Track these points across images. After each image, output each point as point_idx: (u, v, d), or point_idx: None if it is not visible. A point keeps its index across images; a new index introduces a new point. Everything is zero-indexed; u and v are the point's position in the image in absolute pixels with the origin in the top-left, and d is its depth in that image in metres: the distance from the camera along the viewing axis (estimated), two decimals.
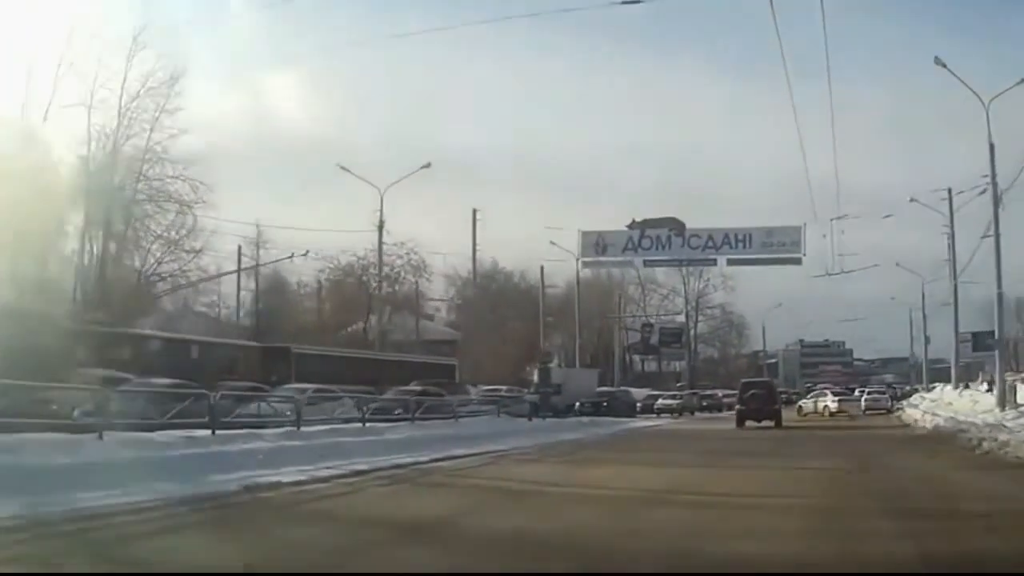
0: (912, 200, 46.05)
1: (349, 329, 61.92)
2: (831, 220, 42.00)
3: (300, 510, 10.60)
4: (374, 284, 60.09)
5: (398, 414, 27.85)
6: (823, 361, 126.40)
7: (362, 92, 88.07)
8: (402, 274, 61.37)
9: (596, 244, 49.25)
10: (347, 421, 23.55)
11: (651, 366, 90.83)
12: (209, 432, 16.30)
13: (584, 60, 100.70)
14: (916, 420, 32.07)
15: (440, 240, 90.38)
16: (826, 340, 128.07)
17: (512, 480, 14.57)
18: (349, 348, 47.82)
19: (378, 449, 18.33)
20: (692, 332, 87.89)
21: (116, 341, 28.81)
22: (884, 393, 49.29)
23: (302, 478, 13.01)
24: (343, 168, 48.61)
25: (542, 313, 58.87)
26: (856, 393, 56.36)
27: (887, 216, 46.09)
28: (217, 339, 36.01)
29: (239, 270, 52.70)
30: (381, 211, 47.96)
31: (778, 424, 33.91)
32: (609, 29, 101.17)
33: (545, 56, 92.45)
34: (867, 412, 46.92)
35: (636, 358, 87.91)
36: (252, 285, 57.20)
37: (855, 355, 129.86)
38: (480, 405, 36.45)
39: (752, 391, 35.84)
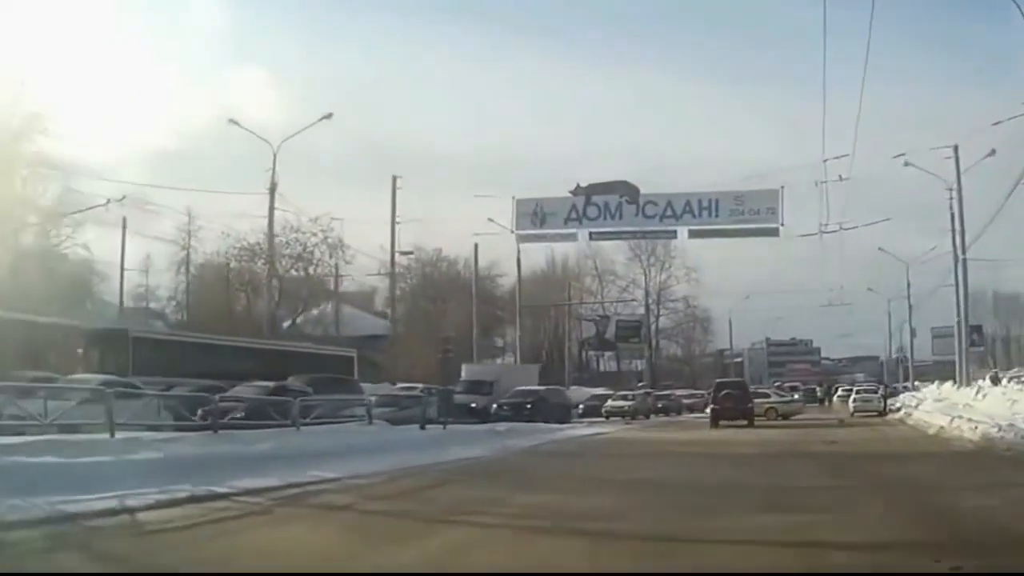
0: (907, 164, 37.18)
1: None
2: (824, 162, 32.95)
3: None
4: (282, 263, 50.66)
5: (234, 419, 20.07)
6: (790, 360, 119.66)
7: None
8: (316, 254, 51.69)
9: (534, 214, 40.11)
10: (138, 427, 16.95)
11: (610, 364, 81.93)
12: None
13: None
14: (942, 427, 23.04)
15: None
16: (793, 338, 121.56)
17: None
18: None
19: (92, 479, 10.44)
20: (653, 327, 78.87)
21: None
22: (875, 392, 40.39)
23: None
24: (232, 122, 39.24)
25: (475, 299, 49.41)
26: (840, 392, 47.34)
27: (899, 156, 36.36)
28: (10, 314, 26.28)
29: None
30: (273, 170, 38.38)
31: (750, 423, 32.55)
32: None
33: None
34: (856, 414, 38.13)
35: (594, 356, 78.81)
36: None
37: (823, 354, 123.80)
38: (380, 407, 27.61)
39: (726, 391, 34.46)
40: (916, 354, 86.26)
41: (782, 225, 36.77)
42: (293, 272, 53.42)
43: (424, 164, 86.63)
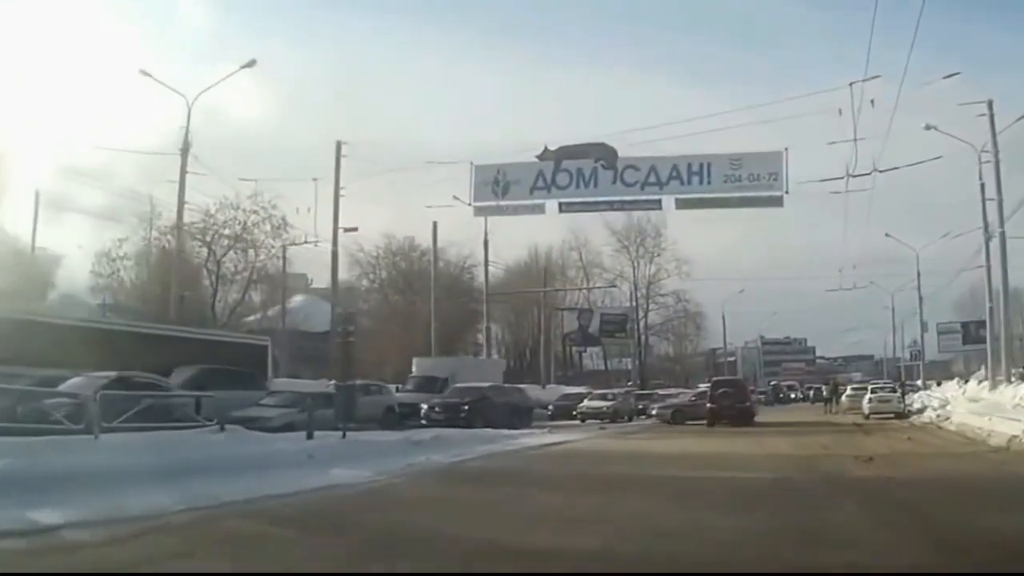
0: (928, 128, 30.70)
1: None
2: (850, 84, 26.47)
3: None
4: (219, 244, 44.11)
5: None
6: (785, 359, 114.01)
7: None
8: (260, 236, 44.99)
9: (495, 182, 33.64)
10: None
11: (598, 363, 75.50)
12: None
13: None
14: (1016, 437, 16.47)
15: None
16: (787, 337, 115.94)
17: None
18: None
19: None
20: (641, 322, 72.30)
21: None
22: (894, 392, 33.84)
23: None
24: (144, 73, 32.69)
25: (433, 286, 42.81)
26: (849, 391, 40.76)
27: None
28: None
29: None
30: (188, 127, 31.78)
31: (749, 422, 29.76)
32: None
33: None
34: (872, 416, 31.69)
35: (578, 352, 72.21)
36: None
37: (818, 353, 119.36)
38: (277, 407, 22.22)
39: (723, 389, 31.34)
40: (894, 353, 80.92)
41: (786, 193, 30.29)
42: (234, 255, 46.66)
43: (409, 159, 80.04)
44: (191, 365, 23.96)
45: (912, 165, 29.63)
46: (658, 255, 71.35)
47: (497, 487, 12.26)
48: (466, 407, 25.08)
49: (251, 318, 57.20)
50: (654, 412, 33.67)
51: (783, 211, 30.64)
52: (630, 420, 36.03)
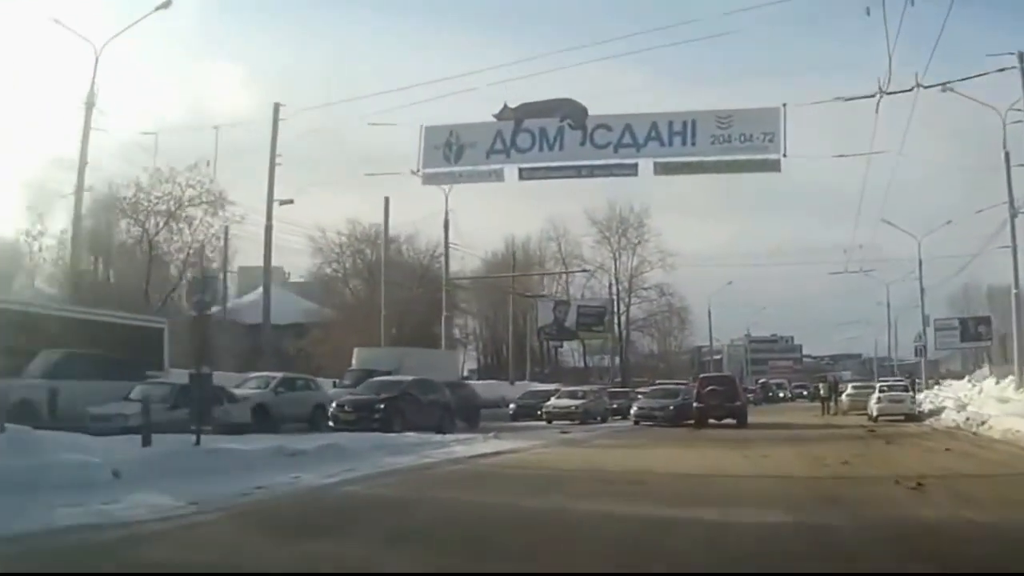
0: (946, 89, 25.87)
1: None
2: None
3: None
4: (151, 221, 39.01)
5: None
6: (772, 357, 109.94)
7: None
8: (197, 214, 39.77)
9: (446, 146, 28.54)
10: None
11: (577, 358, 70.55)
12: None
13: None
14: None
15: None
16: (774, 335, 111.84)
17: None
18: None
19: None
20: (623, 317, 67.32)
21: None
22: (906, 391, 28.82)
23: None
24: (56, 22, 27.66)
25: (383, 266, 37.75)
26: (850, 390, 35.78)
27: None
28: None
29: None
30: (94, 79, 26.68)
31: (740, 423, 26.05)
32: None
33: None
34: (880, 419, 26.83)
35: (555, 348, 67.00)
36: None
37: (804, 351, 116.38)
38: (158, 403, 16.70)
39: (712, 387, 27.38)
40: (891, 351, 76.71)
41: (784, 156, 25.20)
42: (168, 234, 41.35)
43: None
44: (59, 348, 19.27)
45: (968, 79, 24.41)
46: (641, 246, 66.47)
47: (330, 540, 7.14)
48: (382, 406, 19.92)
49: (215, 308, 52.38)
50: (632, 412, 28.65)
51: (777, 194, 25.60)
52: (603, 421, 31.03)
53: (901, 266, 50.81)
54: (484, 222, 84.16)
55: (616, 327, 65.61)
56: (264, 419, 22.36)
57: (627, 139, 26.51)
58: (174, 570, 6.32)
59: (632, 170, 26.87)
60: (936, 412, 26.88)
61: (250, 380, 25.02)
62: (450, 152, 28.74)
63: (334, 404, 20.56)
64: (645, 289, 68.78)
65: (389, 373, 27.60)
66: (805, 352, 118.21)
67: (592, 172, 27.39)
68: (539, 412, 30.58)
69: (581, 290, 66.51)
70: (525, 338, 61.80)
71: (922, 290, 46.18)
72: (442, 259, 55.26)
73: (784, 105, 25.43)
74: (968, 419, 21.57)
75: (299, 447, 14.19)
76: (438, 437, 18.73)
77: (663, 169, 26.41)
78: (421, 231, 52.81)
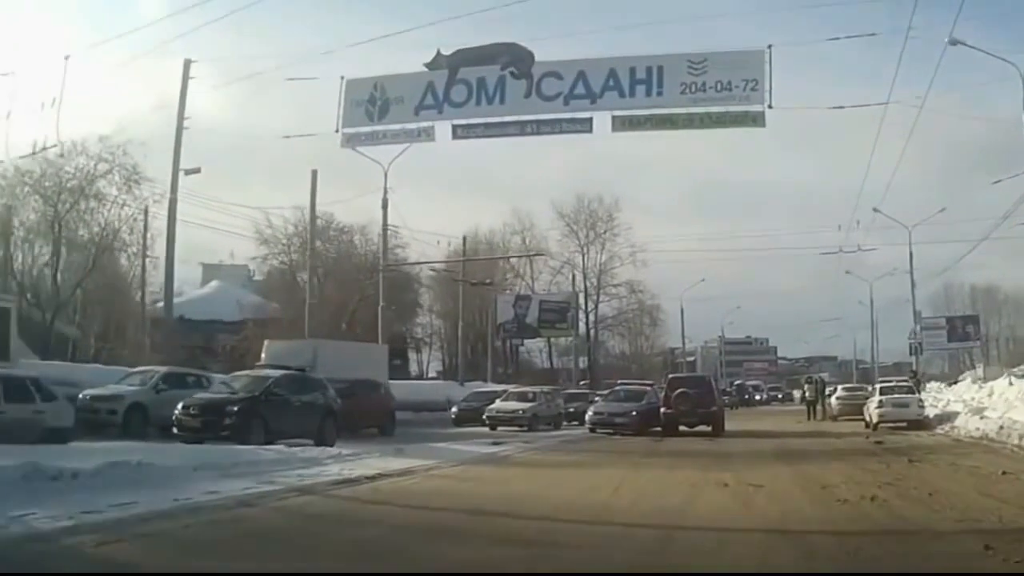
0: (955, 42, 21.32)
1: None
2: None
3: None
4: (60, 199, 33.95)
5: None
6: (747, 359, 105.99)
7: None
8: (112, 190, 34.55)
9: (370, 102, 23.57)
10: None
11: (544, 359, 65.71)
12: None
13: None
14: None
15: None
16: (748, 337, 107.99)
17: None
18: None
19: None
20: (591, 314, 62.59)
21: None
22: (912, 394, 24.02)
23: None
24: None
25: (310, 252, 32.75)
26: (841, 392, 31.02)
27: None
28: None
29: None
30: None
31: (716, 431, 21.25)
32: None
33: None
34: (881, 426, 22.13)
35: (520, 347, 61.93)
36: None
37: (779, 353, 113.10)
38: None
39: (682, 389, 22.08)
40: (868, 355, 72.91)
41: (769, 107, 20.39)
42: (83, 215, 36.06)
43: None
44: None
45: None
46: (610, 241, 61.74)
47: None
48: (235, 408, 14.85)
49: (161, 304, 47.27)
50: (588, 417, 23.72)
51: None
52: (556, 428, 26.15)
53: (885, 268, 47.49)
54: (447, 214, 79.17)
55: (584, 325, 60.94)
56: (142, 421, 17.53)
57: (580, 89, 21.71)
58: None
59: (586, 126, 21.98)
60: (946, 418, 22.21)
61: (132, 375, 20.34)
62: (373, 109, 23.92)
63: (179, 406, 15.46)
64: (615, 286, 64.02)
65: (302, 370, 22.70)
66: (780, 354, 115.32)
67: (538, 128, 22.43)
68: (484, 416, 25.67)
69: (548, 287, 61.80)
70: (487, 337, 56.88)
71: (912, 283, 41.81)
72: (398, 250, 50.43)
73: (769, 47, 20.72)
74: (1002, 428, 16.83)
75: (73, 466, 9.22)
76: (314, 451, 13.77)
77: (623, 124, 21.50)
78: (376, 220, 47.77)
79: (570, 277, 59.98)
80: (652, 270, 60.44)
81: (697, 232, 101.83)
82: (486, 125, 22.83)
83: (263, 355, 25.66)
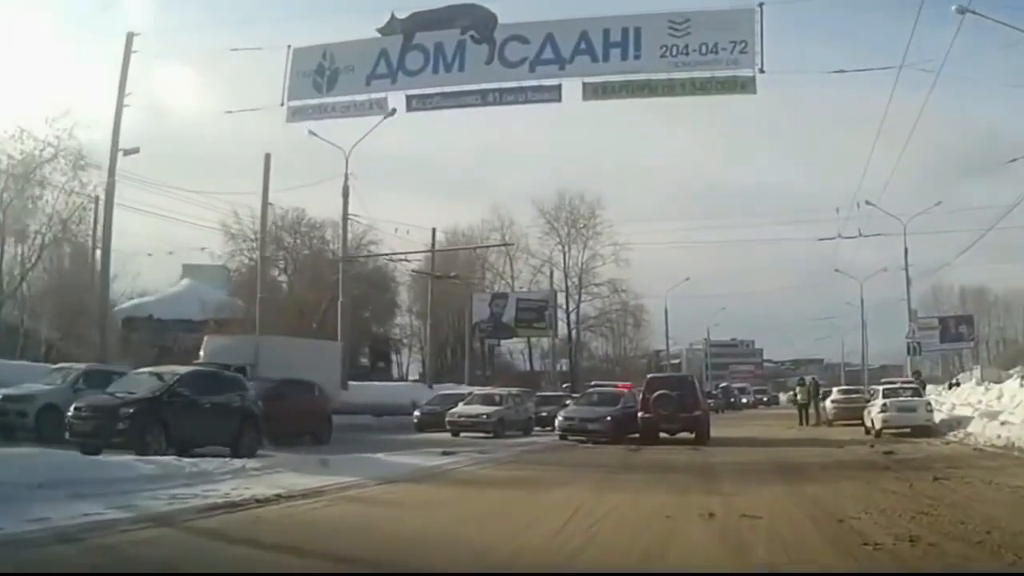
0: (963, 11, 19.04)
1: None
2: None
3: None
4: None
5: None
6: (733, 361, 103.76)
7: None
8: (57, 177, 31.69)
9: (318, 72, 20.95)
10: None
11: (525, 361, 63.03)
12: None
13: None
14: None
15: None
16: (734, 339, 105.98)
17: None
18: None
19: None
20: (572, 314, 59.98)
21: None
22: (919, 397, 21.43)
23: None
24: None
25: (261, 242, 30.10)
26: (836, 394, 28.48)
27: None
28: None
29: None
30: None
31: (701, 439, 18.70)
32: None
33: None
34: (884, 432, 19.61)
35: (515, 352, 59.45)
36: None
37: (765, 355, 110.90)
38: None
39: (662, 391, 19.29)
40: (855, 358, 70.74)
41: (761, 72, 17.87)
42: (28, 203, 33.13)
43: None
44: None
45: None
46: (592, 239, 59.18)
47: None
48: (130, 412, 12.21)
49: (132, 301, 43.89)
50: (557, 423, 21.11)
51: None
52: (526, 434, 23.54)
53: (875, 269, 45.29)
54: (426, 216, 76.33)
55: (566, 326, 58.39)
56: (56, 424, 15.10)
57: (548, 53, 19.24)
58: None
59: (554, 94, 19.40)
60: (957, 424, 19.70)
61: (53, 373, 18.17)
62: (322, 80, 21.34)
63: (71, 408, 12.82)
64: (597, 285, 61.38)
65: (243, 368, 20.10)
66: (766, 357, 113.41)
67: (501, 98, 19.81)
68: (446, 421, 23.05)
69: (528, 286, 59.23)
70: (464, 337, 54.21)
71: (908, 279, 39.29)
72: (372, 247, 47.65)
73: (760, 5, 18.18)
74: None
75: None
76: (212, 464, 11.12)
77: (595, 92, 18.94)
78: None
79: (544, 271, 57.57)
80: (635, 269, 57.92)
81: (682, 229, 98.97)
82: (443, 95, 20.23)
83: (202, 352, 23.05)
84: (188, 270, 57.48)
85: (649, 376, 22.02)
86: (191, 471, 10.73)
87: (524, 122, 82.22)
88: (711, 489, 10.33)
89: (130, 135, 25.28)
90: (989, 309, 75.89)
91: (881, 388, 22.14)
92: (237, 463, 11.61)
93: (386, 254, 40.11)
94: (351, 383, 31.30)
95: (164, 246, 45.30)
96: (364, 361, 55.25)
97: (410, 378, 59.68)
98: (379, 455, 14.72)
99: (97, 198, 33.32)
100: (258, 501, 8.97)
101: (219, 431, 13.39)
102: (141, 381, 13.58)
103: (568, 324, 59.70)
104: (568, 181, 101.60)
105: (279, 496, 9.38)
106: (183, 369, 14.34)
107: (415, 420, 25.76)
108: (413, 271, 42.15)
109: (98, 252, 35.20)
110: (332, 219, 46.57)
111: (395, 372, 59.53)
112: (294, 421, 15.86)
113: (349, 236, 48.09)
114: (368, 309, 54.62)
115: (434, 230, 39.34)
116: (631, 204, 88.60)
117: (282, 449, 15.07)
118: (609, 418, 19.87)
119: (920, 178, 75.56)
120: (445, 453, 15.63)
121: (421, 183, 77.56)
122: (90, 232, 35.20)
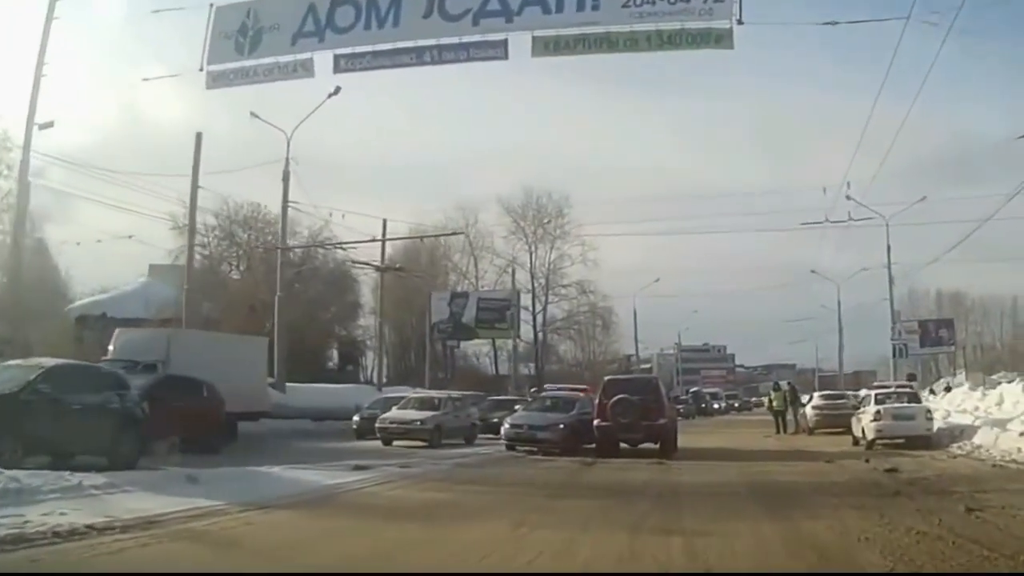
0: None
1: None
2: None
3: None
4: None
5: None
6: (704, 366, 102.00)
7: None
8: None
9: (241, 32, 18.19)
10: None
11: (490, 364, 60.20)
12: None
13: None
14: None
15: None
16: (706, 344, 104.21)
17: None
18: None
19: None
20: (539, 316, 57.47)
21: None
22: (918, 403, 18.86)
23: None
24: None
25: (190, 232, 27.15)
26: (818, 400, 25.93)
27: None
28: None
29: None
30: None
31: (666, 451, 16.15)
32: None
33: None
34: (878, 443, 17.02)
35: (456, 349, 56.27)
36: None
37: (737, 361, 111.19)
38: None
39: (622, 396, 16.70)
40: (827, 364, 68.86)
41: (739, 23, 15.28)
42: None
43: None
44: None
45: None
46: (560, 239, 56.70)
47: None
48: None
49: (87, 299, 40.94)
50: (503, 432, 18.34)
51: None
52: (469, 442, 20.74)
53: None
54: (390, 208, 73.61)
55: (532, 328, 55.81)
56: None
57: (494, 5, 16.49)
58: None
59: (499, 50, 16.60)
60: (959, 433, 17.21)
61: None
62: (244, 41, 18.47)
63: None
64: (564, 286, 59.00)
65: (155, 365, 17.23)
66: (738, 362, 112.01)
67: (440, 56, 16.95)
68: (375, 427, 20.26)
69: (493, 287, 56.48)
70: (425, 338, 51.31)
71: (891, 278, 37.18)
72: (346, 247, 44.63)
73: None
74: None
75: None
76: (37, 480, 8.43)
77: (546, 47, 16.14)
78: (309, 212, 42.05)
79: (517, 277, 54.81)
80: (604, 271, 55.52)
81: (656, 233, 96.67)
82: (375, 54, 17.36)
83: (111, 346, 20.03)
84: (155, 270, 54.32)
85: (607, 378, 19.02)
86: (5, 487, 8.04)
87: (492, 118, 79.75)
88: (673, 522, 7.70)
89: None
90: (966, 314, 74.40)
91: (873, 393, 19.56)
92: (73, 479, 8.86)
93: (333, 244, 37.10)
94: (290, 384, 28.46)
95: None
96: (331, 364, 52.27)
97: (382, 382, 56.74)
98: (275, 469, 11.93)
99: (28, 183, 30.23)
100: (59, 535, 6.52)
101: (91, 437, 10.79)
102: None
103: (535, 326, 57.25)
104: (535, 178, 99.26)
105: (91, 528, 6.77)
106: (50, 362, 11.43)
107: (354, 426, 22.93)
108: (353, 261, 39.10)
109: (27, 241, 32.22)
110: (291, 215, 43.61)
111: (362, 376, 56.69)
112: (174, 426, 12.97)
113: (305, 233, 45.45)
114: (330, 311, 51.64)
115: (385, 221, 36.41)
116: (600, 203, 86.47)
117: (165, 461, 12.22)
118: (562, 426, 17.17)
119: (902, 180, 74.11)
120: (357, 467, 12.82)
121: (382, 182, 74.71)
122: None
